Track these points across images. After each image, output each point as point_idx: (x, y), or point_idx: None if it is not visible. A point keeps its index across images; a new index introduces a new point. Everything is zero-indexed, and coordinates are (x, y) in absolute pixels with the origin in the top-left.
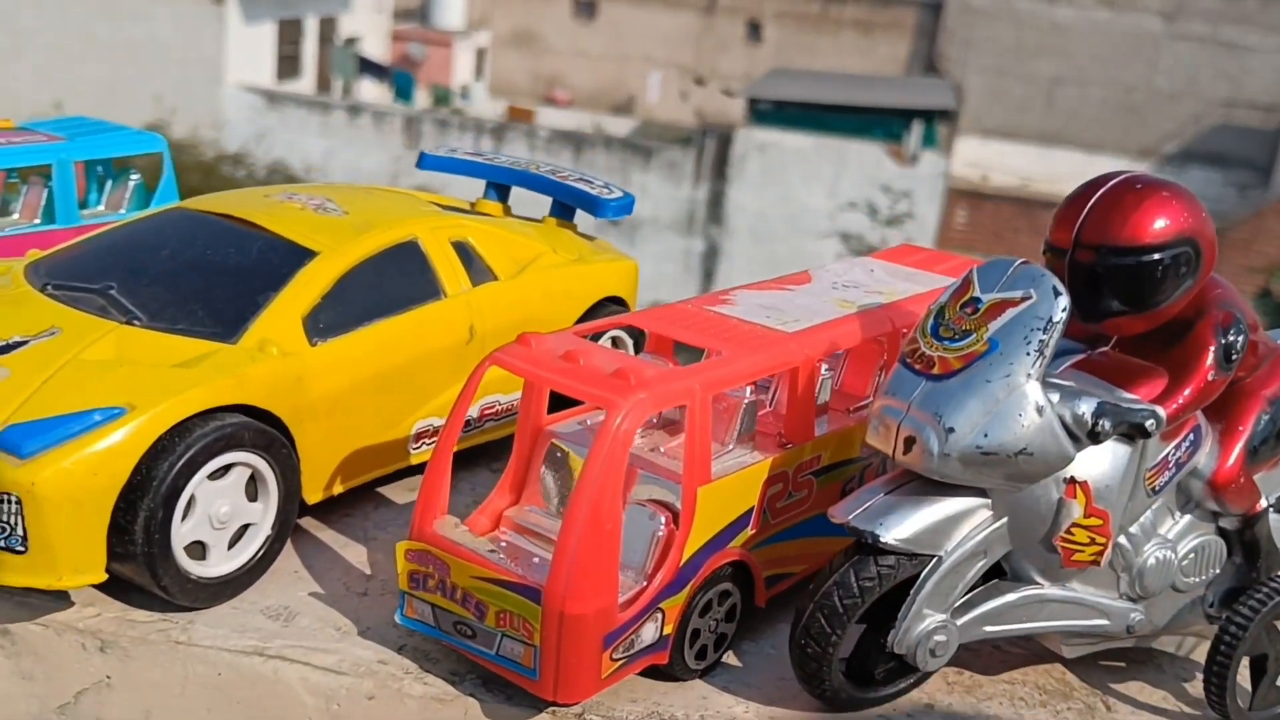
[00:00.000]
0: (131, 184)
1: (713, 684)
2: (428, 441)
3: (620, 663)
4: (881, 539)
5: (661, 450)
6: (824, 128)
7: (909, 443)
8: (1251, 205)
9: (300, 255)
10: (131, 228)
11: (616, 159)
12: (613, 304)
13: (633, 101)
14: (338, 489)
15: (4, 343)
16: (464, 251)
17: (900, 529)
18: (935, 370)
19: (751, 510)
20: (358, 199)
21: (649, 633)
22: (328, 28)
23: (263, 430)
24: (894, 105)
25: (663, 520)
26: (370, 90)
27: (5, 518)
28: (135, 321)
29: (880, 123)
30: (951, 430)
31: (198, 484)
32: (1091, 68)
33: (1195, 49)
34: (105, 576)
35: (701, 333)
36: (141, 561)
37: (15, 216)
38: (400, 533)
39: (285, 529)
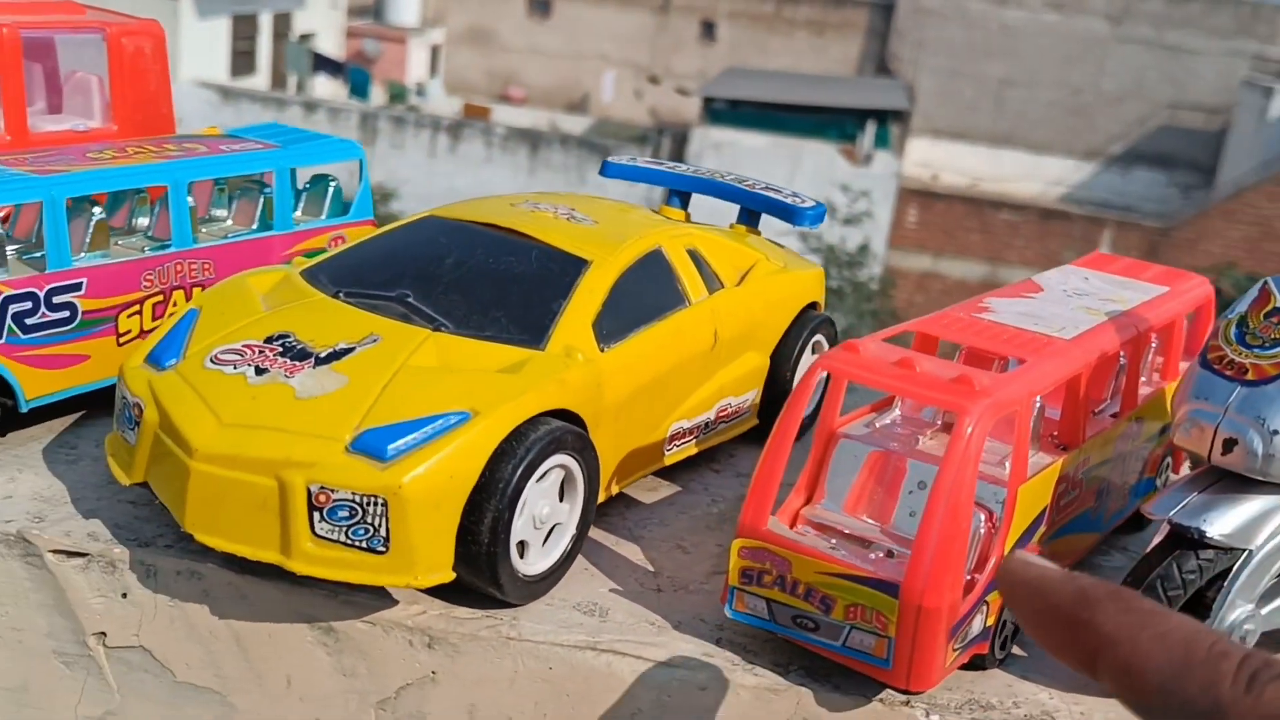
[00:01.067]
0: (330, 191)
1: (1011, 672)
2: (678, 443)
3: (957, 653)
4: (1206, 534)
5: (922, 442)
6: (778, 127)
7: (1229, 444)
8: (1196, 205)
9: (576, 264)
10: (396, 236)
11: (573, 157)
12: (811, 309)
13: (587, 100)
14: (614, 490)
15: (330, 350)
16: (696, 259)
17: (1221, 524)
18: (1249, 376)
19: (1046, 509)
20: (597, 208)
21: (978, 624)
22: (282, 24)
23: (580, 433)
24: (848, 105)
25: (983, 518)
26: (325, 86)
27: (371, 519)
28: (443, 328)
29: (834, 123)
30: (1276, 432)
31: (530, 485)
32: (1040, 69)
33: (1141, 52)
34: (453, 576)
35: (999, 341)
36: (483, 560)
37: (228, 223)
38: (660, 531)
39: (586, 528)
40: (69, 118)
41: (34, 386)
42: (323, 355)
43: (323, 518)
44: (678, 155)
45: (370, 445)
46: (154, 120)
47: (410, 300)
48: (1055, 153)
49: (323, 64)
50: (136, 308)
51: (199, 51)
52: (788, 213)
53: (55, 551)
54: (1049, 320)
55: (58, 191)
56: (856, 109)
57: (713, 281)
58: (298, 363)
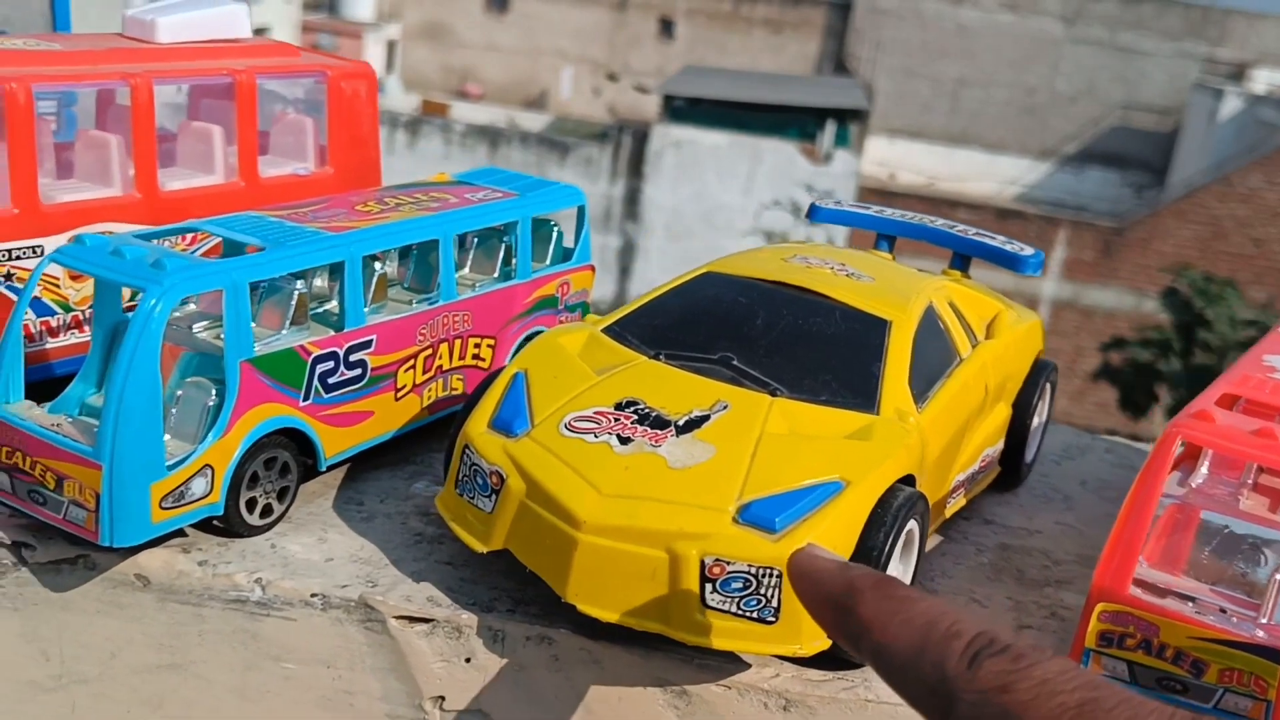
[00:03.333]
0: (555, 236)
1: None
2: (954, 497)
3: None
4: None
5: (1242, 502)
6: (739, 125)
7: None
8: (1148, 205)
9: (878, 324)
10: (686, 293)
11: (533, 154)
12: (1038, 359)
13: (545, 96)
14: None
15: (686, 418)
16: (955, 312)
17: None
18: None
19: None
20: (862, 262)
21: None
22: None
23: (924, 497)
24: (808, 104)
25: None
26: None
27: (764, 590)
28: (780, 393)
29: (794, 121)
30: None
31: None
32: (995, 70)
33: (1094, 53)
34: (830, 642)
35: None
36: None
37: (465, 272)
38: (947, 584)
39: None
40: (286, 161)
41: (332, 445)
42: (681, 424)
43: (715, 589)
44: (638, 153)
45: (759, 517)
46: (365, 164)
47: (735, 364)
48: (1010, 152)
49: None
50: (412, 362)
51: None
52: (1010, 260)
53: (399, 617)
54: None
55: (356, 249)
56: (816, 108)
57: (970, 334)
58: (658, 431)
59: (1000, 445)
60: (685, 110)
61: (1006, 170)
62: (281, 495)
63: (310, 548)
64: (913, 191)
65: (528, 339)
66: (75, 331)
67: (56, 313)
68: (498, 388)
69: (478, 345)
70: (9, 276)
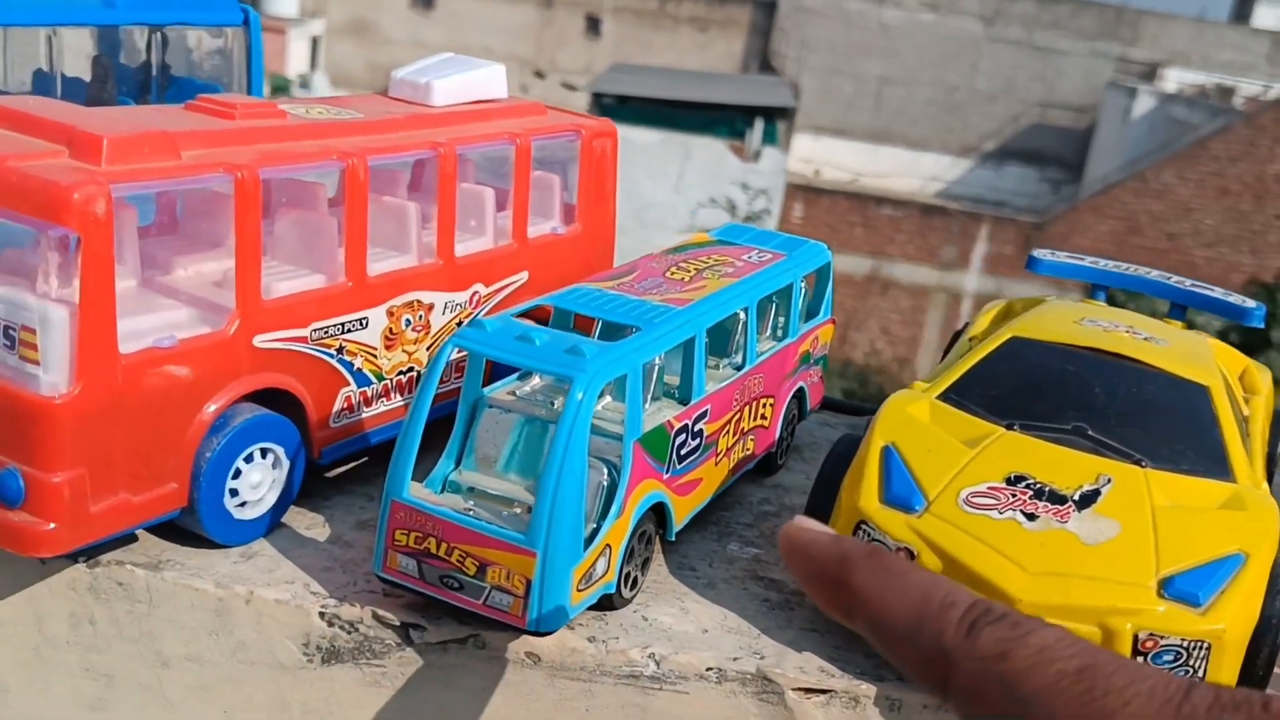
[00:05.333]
0: (802, 294)
1: None
2: None
3: None
4: None
5: None
6: (668, 123)
7: None
8: (1066, 201)
9: (1196, 390)
10: (1001, 359)
11: None
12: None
13: None
14: None
15: (1078, 492)
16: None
17: None
18: None
19: None
20: (1144, 323)
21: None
22: None
23: None
24: (738, 102)
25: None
26: None
27: (1192, 663)
28: (1145, 464)
29: (723, 119)
30: None
31: None
32: (917, 68)
33: (1013, 52)
34: None
35: None
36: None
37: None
38: None
39: None
40: (540, 220)
41: (679, 514)
42: (1076, 498)
43: (1146, 663)
44: None
45: (1183, 591)
46: (605, 221)
47: (1091, 434)
48: (932, 149)
49: None
50: (728, 427)
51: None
52: (1234, 312)
53: (797, 689)
54: None
55: (702, 322)
56: (745, 106)
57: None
58: (1058, 506)
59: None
60: (614, 108)
61: (929, 167)
62: (644, 566)
63: (678, 618)
64: (839, 188)
65: (796, 396)
66: (385, 400)
67: (373, 382)
68: (871, 463)
69: (764, 405)
70: (340, 350)
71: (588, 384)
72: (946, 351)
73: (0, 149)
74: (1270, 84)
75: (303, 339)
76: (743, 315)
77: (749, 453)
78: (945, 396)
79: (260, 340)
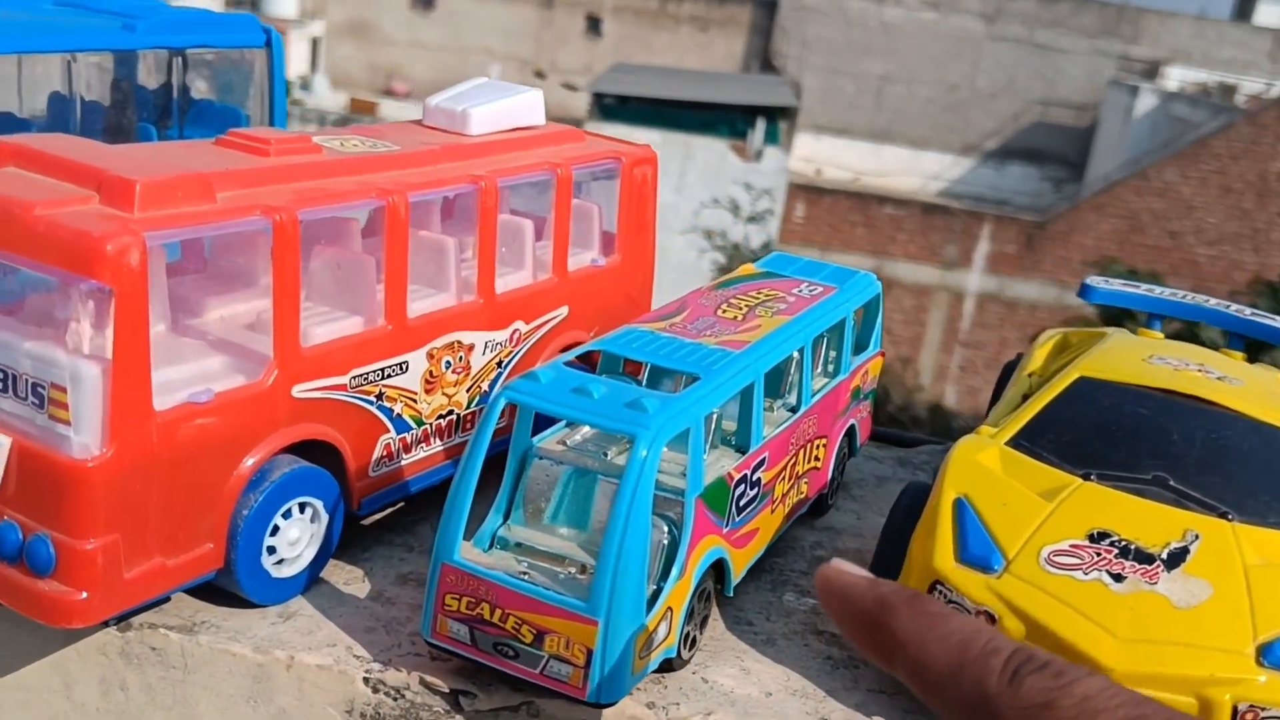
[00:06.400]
0: (851, 326)
1: None
2: None
3: None
4: None
5: None
6: (670, 123)
7: None
8: (1067, 199)
9: (1270, 432)
10: (1075, 401)
11: None
12: None
13: None
14: None
15: (1165, 550)
16: None
17: None
18: None
19: None
20: (1216, 361)
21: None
22: None
23: None
24: (739, 102)
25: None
26: None
27: None
28: (1231, 517)
29: (725, 119)
30: None
31: None
32: (918, 67)
33: (1014, 50)
34: None
35: None
36: None
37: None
38: None
39: None
40: (580, 251)
41: (737, 568)
42: (1165, 557)
43: None
44: None
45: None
46: (644, 250)
47: (1173, 484)
48: (933, 148)
49: None
50: (784, 473)
51: None
52: None
53: None
54: None
55: (760, 368)
56: (746, 105)
57: None
58: (1146, 566)
59: None
60: (615, 108)
61: (930, 166)
62: (702, 624)
63: (740, 680)
64: (840, 188)
65: (847, 434)
66: (424, 445)
67: (412, 428)
68: (944, 517)
69: (818, 447)
70: (380, 396)
71: (651, 441)
72: (999, 385)
73: (27, 195)
74: (1272, 82)
75: (342, 387)
76: (797, 355)
77: (803, 496)
78: (1015, 443)
79: (299, 390)
